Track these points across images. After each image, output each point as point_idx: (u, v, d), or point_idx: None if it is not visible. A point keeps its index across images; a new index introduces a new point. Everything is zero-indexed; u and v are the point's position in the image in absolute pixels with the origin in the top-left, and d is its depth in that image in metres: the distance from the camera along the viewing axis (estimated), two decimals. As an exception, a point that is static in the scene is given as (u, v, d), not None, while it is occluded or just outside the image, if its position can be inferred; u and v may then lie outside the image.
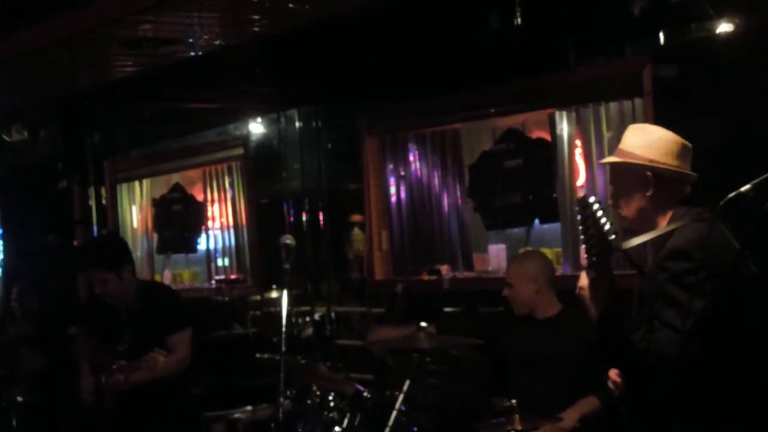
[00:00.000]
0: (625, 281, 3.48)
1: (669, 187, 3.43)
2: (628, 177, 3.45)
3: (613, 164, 3.52)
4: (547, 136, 6.53)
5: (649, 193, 3.41)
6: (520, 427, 4.59)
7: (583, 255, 3.43)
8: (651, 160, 3.42)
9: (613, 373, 3.50)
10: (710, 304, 3.13)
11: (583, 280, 3.33)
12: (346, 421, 5.22)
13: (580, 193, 6.22)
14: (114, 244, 6.05)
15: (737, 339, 3.27)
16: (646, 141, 3.45)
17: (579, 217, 3.23)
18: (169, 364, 5.45)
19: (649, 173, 3.42)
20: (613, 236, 3.14)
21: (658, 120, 5.56)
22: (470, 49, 6.28)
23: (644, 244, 3.39)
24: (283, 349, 4.97)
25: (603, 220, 3.16)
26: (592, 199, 3.20)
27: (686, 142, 3.51)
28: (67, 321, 6.10)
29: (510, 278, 5.25)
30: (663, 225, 3.39)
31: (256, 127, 8.71)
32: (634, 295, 3.45)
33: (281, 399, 5.04)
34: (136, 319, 5.60)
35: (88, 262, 5.67)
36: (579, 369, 4.88)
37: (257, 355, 7.08)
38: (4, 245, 11.08)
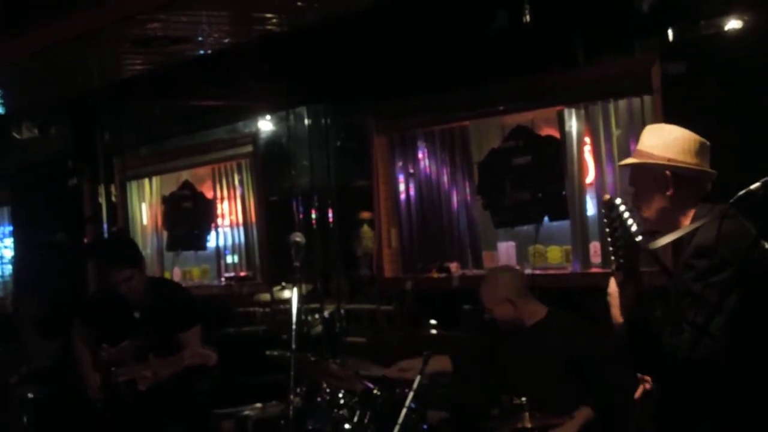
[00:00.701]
0: (650, 279, 3.45)
1: (689, 186, 3.42)
2: (648, 177, 3.43)
3: (632, 166, 3.50)
4: (556, 134, 6.53)
5: (669, 193, 3.40)
6: (529, 425, 4.60)
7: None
8: (669, 159, 3.40)
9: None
10: (738, 301, 3.12)
11: (612, 286, 3.32)
12: (356, 419, 5.23)
13: (595, 191, 6.24)
14: (130, 241, 6.15)
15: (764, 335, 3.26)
16: (664, 140, 3.44)
17: (605, 220, 3.21)
18: (195, 357, 5.54)
19: (668, 172, 3.40)
20: (640, 237, 3.14)
21: (667, 117, 5.56)
22: (479, 46, 6.28)
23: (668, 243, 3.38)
24: (293, 346, 4.97)
25: (630, 221, 3.15)
26: (618, 201, 3.19)
27: (704, 140, 3.50)
28: (76, 318, 6.14)
29: (486, 304, 5.26)
30: (686, 223, 3.38)
31: (266, 125, 8.72)
32: (670, 295, 3.42)
33: (291, 396, 5.05)
34: (148, 315, 5.66)
35: (114, 261, 5.72)
36: (573, 369, 4.91)
37: (267, 353, 7.09)
38: (15, 242, 11.13)
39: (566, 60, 6.10)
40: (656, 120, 5.69)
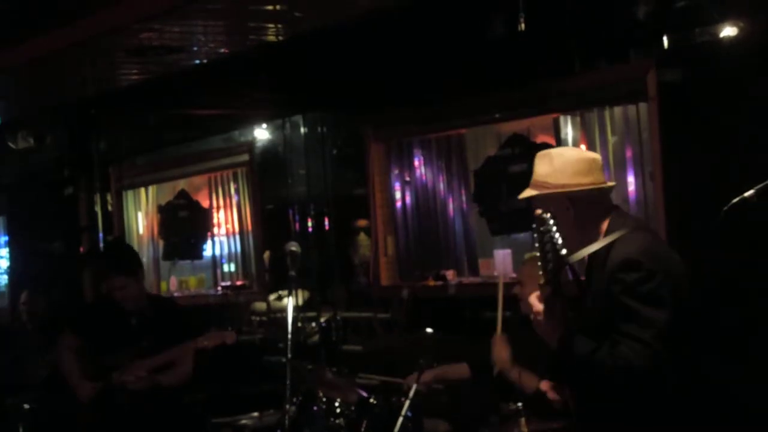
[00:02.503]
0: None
1: (590, 203, 3.50)
2: (550, 204, 3.45)
3: (535, 200, 3.56)
4: (552, 141, 6.53)
5: (572, 214, 3.47)
6: (526, 430, 4.59)
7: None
8: (564, 185, 3.49)
9: (546, 386, 3.55)
10: (670, 310, 3.19)
11: (537, 305, 3.34)
12: (352, 428, 5.22)
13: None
14: (130, 249, 6.19)
15: (694, 339, 3.35)
16: (555, 167, 3.52)
17: (535, 235, 3.24)
18: (170, 378, 5.57)
19: (568, 199, 3.49)
20: (564, 251, 3.19)
21: (663, 124, 5.57)
22: (474, 54, 6.29)
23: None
24: (289, 354, 4.97)
25: (557, 235, 3.20)
26: (547, 215, 3.22)
27: (592, 156, 3.61)
28: (61, 332, 6.15)
29: (522, 277, 5.24)
30: (601, 235, 3.45)
31: (262, 134, 8.72)
32: (583, 306, 3.45)
33: (287, 405, 5.04)
34: (147, 325, 5.68)
35: (110, 269, 5.78)
36: None
37: (264, 361, 7.08)
38: (10, 252, 11.11)
39: (562, 67, 6.10)
40: (652, 127, 5.70)
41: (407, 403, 4.91)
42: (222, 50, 6.35)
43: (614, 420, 3.30)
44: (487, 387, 5.50)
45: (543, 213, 3.24)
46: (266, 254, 8.72)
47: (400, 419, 4.92)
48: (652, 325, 3.17)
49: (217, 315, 8.78)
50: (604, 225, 3.48)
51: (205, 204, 9.37)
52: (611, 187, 3.60)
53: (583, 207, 3.49)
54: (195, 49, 6.27)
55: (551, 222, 3.21)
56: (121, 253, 6.22)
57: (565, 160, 3.52)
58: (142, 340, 5.72)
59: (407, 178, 7.52)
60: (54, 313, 8.67)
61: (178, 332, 5.70)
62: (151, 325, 5.76)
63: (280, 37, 6.09)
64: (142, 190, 9.96)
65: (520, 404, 4.66)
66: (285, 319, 5.10)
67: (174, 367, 5.73)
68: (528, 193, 3.59)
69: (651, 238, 3.41)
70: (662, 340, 3.16)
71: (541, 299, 3.32)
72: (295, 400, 5.39)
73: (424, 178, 7.45)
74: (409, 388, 5.01)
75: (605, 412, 3.32)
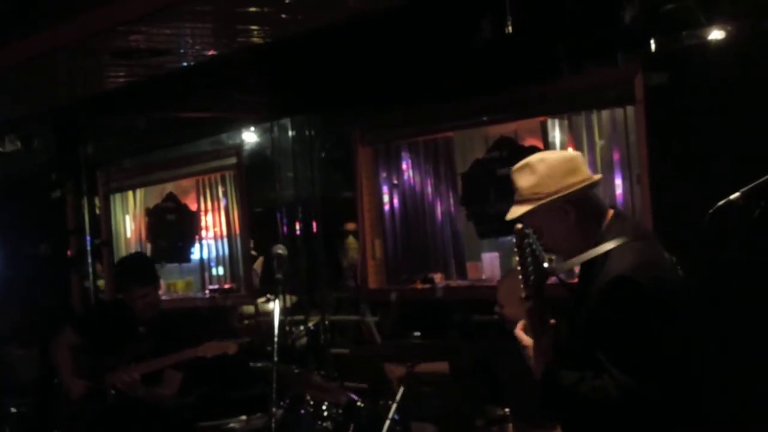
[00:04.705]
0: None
1: (589, 201, 3.30)
2: (547, 216, 3.28)
3: (528, 215, 3.29)
4: (540, 144, 6.54)
5: (573, 218, 3.25)
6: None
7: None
8: (558, 191, 3.26)
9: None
10: (660, 328, 3.02)
11: (525, 339, 3.18)
12: (339, 431, 5.22)
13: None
14: (150, 260, 6.34)
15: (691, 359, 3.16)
16: (539, 176, 3.29)
17: (516, 249, 3.10)
18: (155, 395, 5.75)
19: (566, 201, 3.26)
20: (546, 263, 3.07)
21: (650, 128, 5.58)
22: (462, 57, 6.29)
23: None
24: (276, 358, 4.96)
25: (538, 249, 3.07)
26: (529, 230, 3.09)
27: (573, 153, 3.47)
28: (60, 327, 6.16)
29: (500, 299, 5.20)
30: (597, 237, 3.24)
31: (250, 137, 8.72)
32: (570, 312, 3.28)
33: (274, 408, 5.03)
34: (154, 334, 5.85)
35: (136, 278, 5.95)
36: None
37: (251, 365, 7.07)
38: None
39: (549, 71, 6.11)
40: (639, 130, 5.71)
41: (394, 406, 4.91)
42: (209, 52, 6.33)
43: None
44: (474, 390, 5.50)
45: (524, 227, 3.09)
46: (259, 261, 8.72)
47: (387, 422, 4.91)
48: (639, 353, 2.97)
49: (205, 318, 8.77)
50: (605, 223, 3.27)
51: (193, 207, 9.36)
52: (600, 180, 3.42)
53: (584, 207, 3.27)
54: (182, 51, 6.24)
55: (533, 236, 3.07)
56: (144, 264, 6.41)
57: (549, 165, 3.30)
58: (143, 346, 5.80)
59: (395, 182, 7.53)
60: (32, 317, 8.66)
61: (182, 344, 5.76)
62: (158, 334, 5.86)
63: (267, 40, 6.07)
64: (130, 193, 9.95)
65: (507, 409, 4.67)
66: (272, 322, 5.09)
67: (163, 382, 5.79)
68: (520, 210, 3.31)
69: (649, 251, 3.16)
70: (649, 369, 2.97)
71: (524, 326, 3.17)
72: (282, 403, 5.38)
73: (411, 181, 7.45)
74: (396, 391, 5.00)
75: None
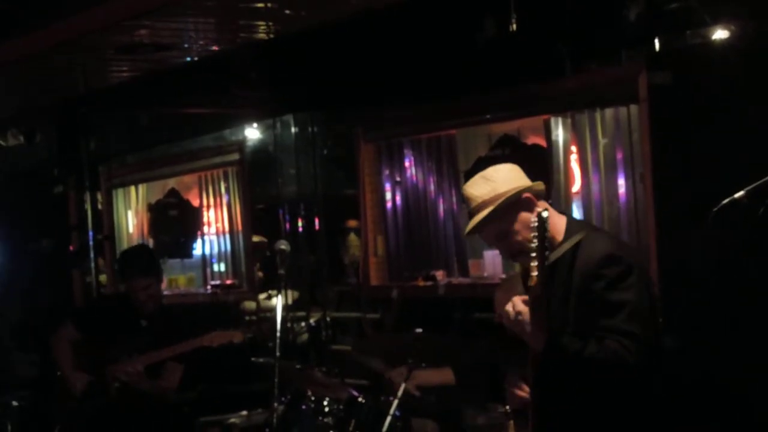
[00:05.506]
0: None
1: (543, 202, 3.50)
2: (512, 214, 3.44)
3: (493, 216, 3.44)
4: (543, 142, 6.53)
5: (538, 208, 3.34)
6: (514, 433, 4.58)
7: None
8: (518, 187, 3.48)
9: (513, 384, 3.55)
10: (649, 299, 3.27)
11: (520, 305, 3.29)
12: (341, 427, 5.21)
13: (581, 200, 6.24)
14: (153, 253, 6.54)
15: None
16: (495, 180, 3.49)
17: (535, 234, 3.21)
18: (155, 387, 5.74)
19: (527, 195, 3.47)
20: (548, 252, 3.21)
21: (654, 126, 5.57)
22: (466, 55, 6.29)
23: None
24: (278, 353, 4.96)
25: (549, 238, 3.23)
26: (545, 214, 3.22)
27: (513, 164, 3.61)
28: (60, 322, 6.17)
29: (497, 307, 5.18)
30: (562, 236, 3.44)
31: (252, 133, 8.71)
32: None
33: (275, 404, 5.03)
34: (156, 328, 5.87)
35: (137, 270, 5.98)
36: None
37: (253, 360, 7.07)
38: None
39: (553, 69, 6.10)
40: (643, 129, 5.70)
41: (395, 402, 4.91)
42: (213, 48, 6.34)
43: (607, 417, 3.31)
44: (475, 388, 5.50)
45: (546, 215, 3.21)
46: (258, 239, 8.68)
47: (389, 418, 4.92)
48: (638, 317, 3.20)
49: (207, 314, 8.77)
50: (563, 226, 3.48)
51: (196, 203, 9.36)
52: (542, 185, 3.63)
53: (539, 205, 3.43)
54: (186, 46, 6.25)
55: (547, 225, 3.20)
56: (147, 255, 6.38)
57: (501, 171, 3.53)
58: (145, 340, 5.81)
59: (398, 179, 7.52)
60: (34, 315, 8.67)
61: (184, 336, 5.76)
62: (160, 328, 5.86)
63: (271, 36, 6.08)
64: (132, 188, 9.94)
65: (508, 407, 4.66)
66: (274, 318, 5.09)
67: (163, 376, 5.78)
68: (484, 212, 3.45)
69: (614, 236, 3.50)
70: (648, 330, 3.21)
71: (528, 301, 3.27)
72: (283, 398, 5.39)
73: (414, 178, 7.45)
74: (398, 387, 5.00)
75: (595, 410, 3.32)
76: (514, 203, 3.45)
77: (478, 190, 3.50)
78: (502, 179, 3.50)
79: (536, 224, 3.20)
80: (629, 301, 3.22)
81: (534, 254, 3.20)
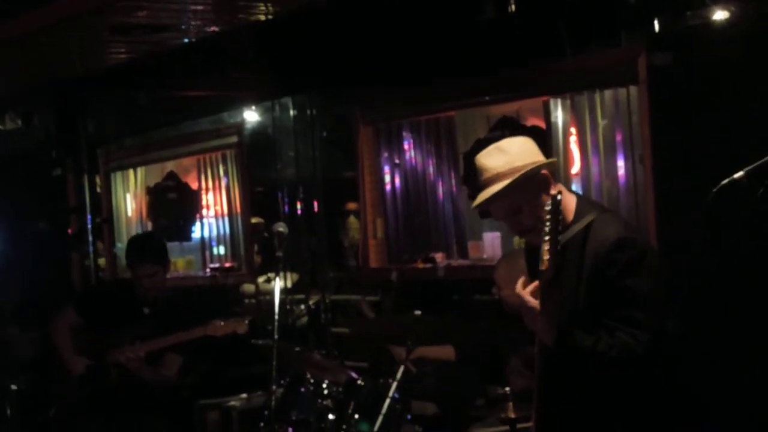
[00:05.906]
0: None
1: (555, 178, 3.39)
2: (528, 190, 3.31)
3: (509, 189, 3.30)
4: (542, 124, 6.52)
5: (554, 190, 3.26)
6: (513, 415, 4.58)
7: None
8: (535, 162, 3.34)
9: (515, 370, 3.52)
10: (662, 283, 3.22)
11: (532, 300, 3.16)
12: (340, 409, 5.22)
13: (580, 181, 6.22)
14: (161, 240, 6.51)
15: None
16: (510, 153, 3.35)
17: (548, 216, 3.07)
18: (154, 376, 5.75)
19: (545, 171, 3.35)
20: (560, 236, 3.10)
21: (653, 108, 5.56)
22: (465, 36, 6.26)
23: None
24: (276, 336, 4.96)
25: (562, 219, 3.13)
26: (559, 197, 3.12)
27: (527, 137, 3.48)
28: (60, 308, 6.16)
29: (499, 281, 5.17)
30: (571, 212, 3.33)
31: (251, 115, 8.69)
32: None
33: (274, 387, 5.03)
34: (159, 316, 5.87)
35: (143, 256, 5.97)
36: None
37: (252, 342, 7.07)
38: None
39: (552, 50, 6.08)
40: (642, 110, 5.69)
41: (395, 384, 4.91)
42: (210, 29, 6.30)
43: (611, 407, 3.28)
44: (475, 369, 5.50)
45: (557, 194, 3.11)
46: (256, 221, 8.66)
47: (388, 401, 4.92)
48: (650, 304, 3.13)
49: (208, 299, 8.77)
50: (573, 205, 3.35)
51: (194, 186, 9.35)
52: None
53: (557, 182, 3.36)
54: (183, 27, 6.22)
55: (560, 206, 3.09)
56: (154, 242, 6.41)
57: (518, 144, 3.38)
58: (147, 327, 5.81)
59: (396, 161, 7.50)
60: (32, 297, 8.66)
61: (187, 325, 5.75)
62: (162, 315, 5.86)
63: (269, 16, 6.05)
64: (131, 171, 9.93)
65: (507, 389, 4.66)
66: (273, 300, 5.09)
67: (162, 365, 5.78)
68: (498, 186, 3.30)
69: (623, 218, 3.37)
70: (658, 317, 3.15)
71: (539, 287, 3.13)
72: (282, 381, 5.39)
73: (413, 160, 7.43)
74: (397, 368, 4.99)
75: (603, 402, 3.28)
76: (531, 178, 3.31)
77: (493, 162, 3.35)
78: (517, 152, 3.35)
79: (550, 206, 3.08)
80: (642, 289, 3.14)
81: (547, 237, 3.07)
